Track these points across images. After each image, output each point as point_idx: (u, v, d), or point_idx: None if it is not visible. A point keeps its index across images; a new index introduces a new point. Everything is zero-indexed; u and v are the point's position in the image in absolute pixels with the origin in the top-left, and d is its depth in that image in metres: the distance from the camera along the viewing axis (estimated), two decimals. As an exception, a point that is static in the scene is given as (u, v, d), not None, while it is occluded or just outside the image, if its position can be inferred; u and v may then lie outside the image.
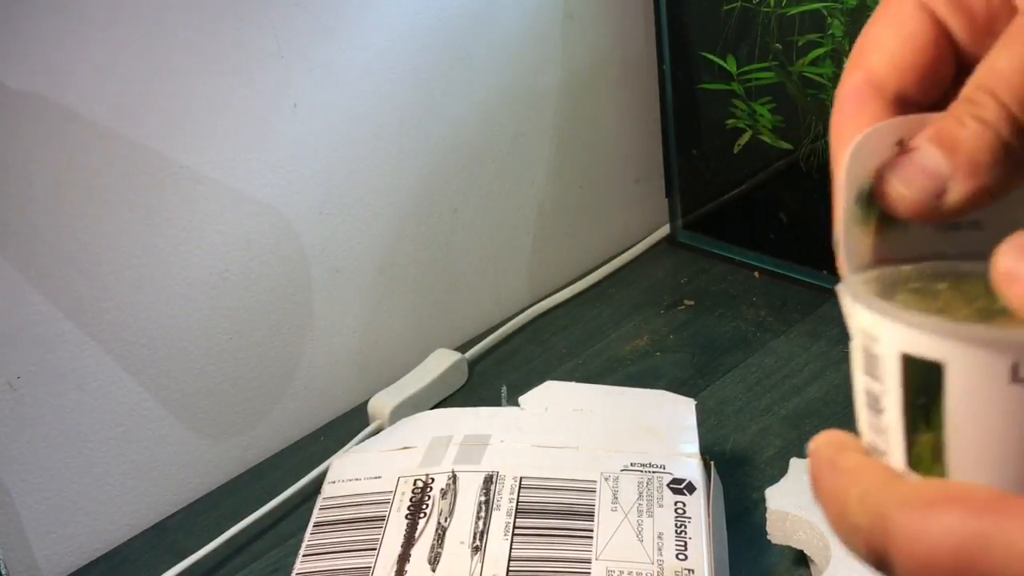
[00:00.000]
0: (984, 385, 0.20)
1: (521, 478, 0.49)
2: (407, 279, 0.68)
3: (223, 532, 0.55)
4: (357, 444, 0.60)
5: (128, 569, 0.56)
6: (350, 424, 0.64)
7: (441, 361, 0.66)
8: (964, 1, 0.25)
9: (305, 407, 0.64)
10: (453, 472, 0.49)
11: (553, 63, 0.72)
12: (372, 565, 0.46)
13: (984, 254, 0.22)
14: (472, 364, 0.68)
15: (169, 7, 0.52)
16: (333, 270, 0.63)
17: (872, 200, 0.24)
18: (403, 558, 0.46)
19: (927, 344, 0.21)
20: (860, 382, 0.23)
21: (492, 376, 0.68)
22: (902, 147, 0.24)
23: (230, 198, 0.57)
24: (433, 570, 0.45)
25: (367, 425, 0.62)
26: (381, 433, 0.58)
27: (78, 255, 0.53)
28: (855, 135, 0.24)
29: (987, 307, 0.22)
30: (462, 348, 0.68)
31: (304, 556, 0.47)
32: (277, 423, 0.63)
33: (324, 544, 0.48)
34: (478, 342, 0.70)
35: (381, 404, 0.62)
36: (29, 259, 0.51)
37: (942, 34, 0.25)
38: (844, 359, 0.25)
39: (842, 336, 0.28)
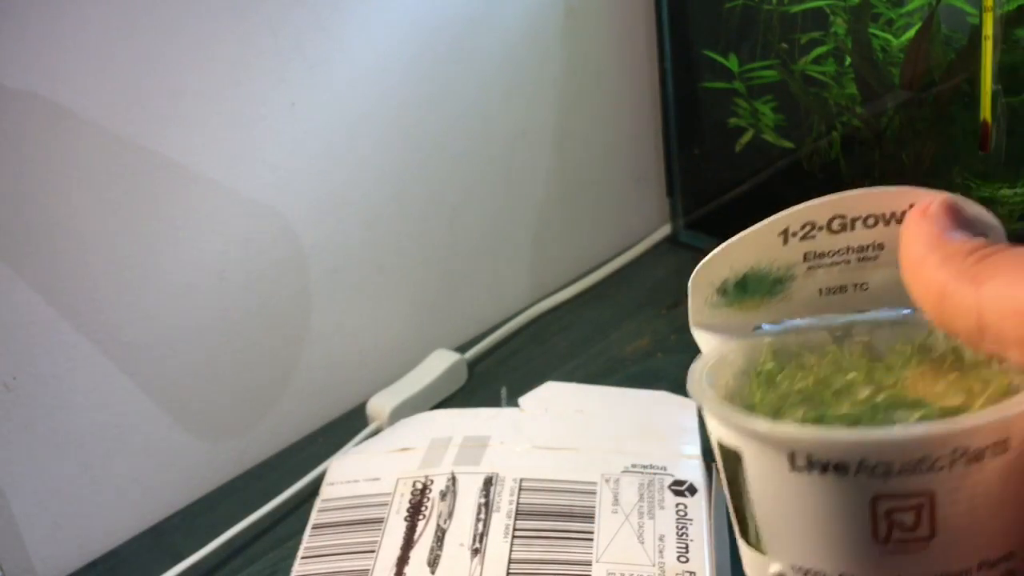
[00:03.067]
0: (770, 471, 0.22)
1: (521, 480, 0.48)
2: (406, 279, 0.67)
3: (221, 534, 0.55)
4: (356, 445, 0.60)
5: (125, 571, 0.56)
6: (349, 425, 0.64)
7: (440, 362, 0.65)
8: None
9: (303, 408, 0.64)
10: (452, 474, 0.49)
11: (553, 62, 0.71)
12: (371, 567, 0.45)
13: (868, 310, 0.26)
14: (472, 365, 0.68)
15: (165, 5, 0.52)
16: (332, 270, 0.63)
17: (745, 285, 0.27)
18: (402, 560, 0.45)
19: (727, 434, 0.23)
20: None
21: (492, 377, 0.67)
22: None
23: (227, 198, 0.57)
24: (432, 572, 0.44)
25: (366, 426, 0.62)
26: (380, 434, 0.57)
27: (74, 255, 0.52)
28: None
29: (846, 384, 0.24)
30: (462, 348, 0.68)
31: (303, 558, 0.47)
32: (275, 424, 0.63)
33: (322, 546, 0.47)
34: (478, 342, 0.69)
35: (380, 405, 0.62)
36: (24, 259, 0.51)
37: None
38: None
39: (847, 336, 0.28)
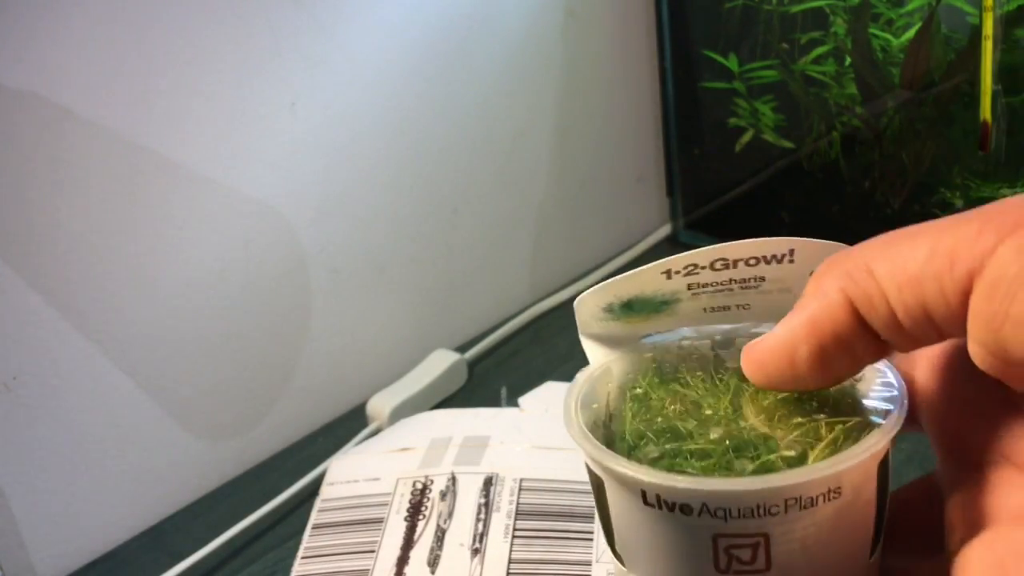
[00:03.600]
0: (626, 503, 0.24)
1: (521, 480, 0.48)
2: (406, 279, 0.67)
3: (221, 534, 0.55)
4: (356, 445, 0.60)
5: (125, 571, 0.56)
6: (349, 425, 0.64)
7: (440, 362, 0.65)
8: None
9: (303, 408, 0.64)
10: (452, 473, 0.49)
11: (554, 62, 0.71)
12: (371, 567, 0.45)
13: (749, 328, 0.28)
14: (472, 365, 0.68)
15: (165, 5, 0.52)
16: (332, 270, 0.63)
17: (631, 305, 0.28)
18: (402, 560, 0.45)
19: (592, 463, 0.25)
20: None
21: (492, 377, 0.67)
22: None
23: (228, 197, 0.57)
24: (432, 572, 0.44)
25: (366, 426, 0.62)
26: (380, 434, 0.57)
27: (75, 255, 0.52)
28: None
29: (714, 413, 0.26)
30: (462, 348, 0.68)
31: (303, 558, 0.47)
32: (275, 424, 0.63)
33: (322, 546, 0.47)
34: (478, 342, 0.69)
35: (380, 405, 0.62)
36: (26, 259, 0.51)
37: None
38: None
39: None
